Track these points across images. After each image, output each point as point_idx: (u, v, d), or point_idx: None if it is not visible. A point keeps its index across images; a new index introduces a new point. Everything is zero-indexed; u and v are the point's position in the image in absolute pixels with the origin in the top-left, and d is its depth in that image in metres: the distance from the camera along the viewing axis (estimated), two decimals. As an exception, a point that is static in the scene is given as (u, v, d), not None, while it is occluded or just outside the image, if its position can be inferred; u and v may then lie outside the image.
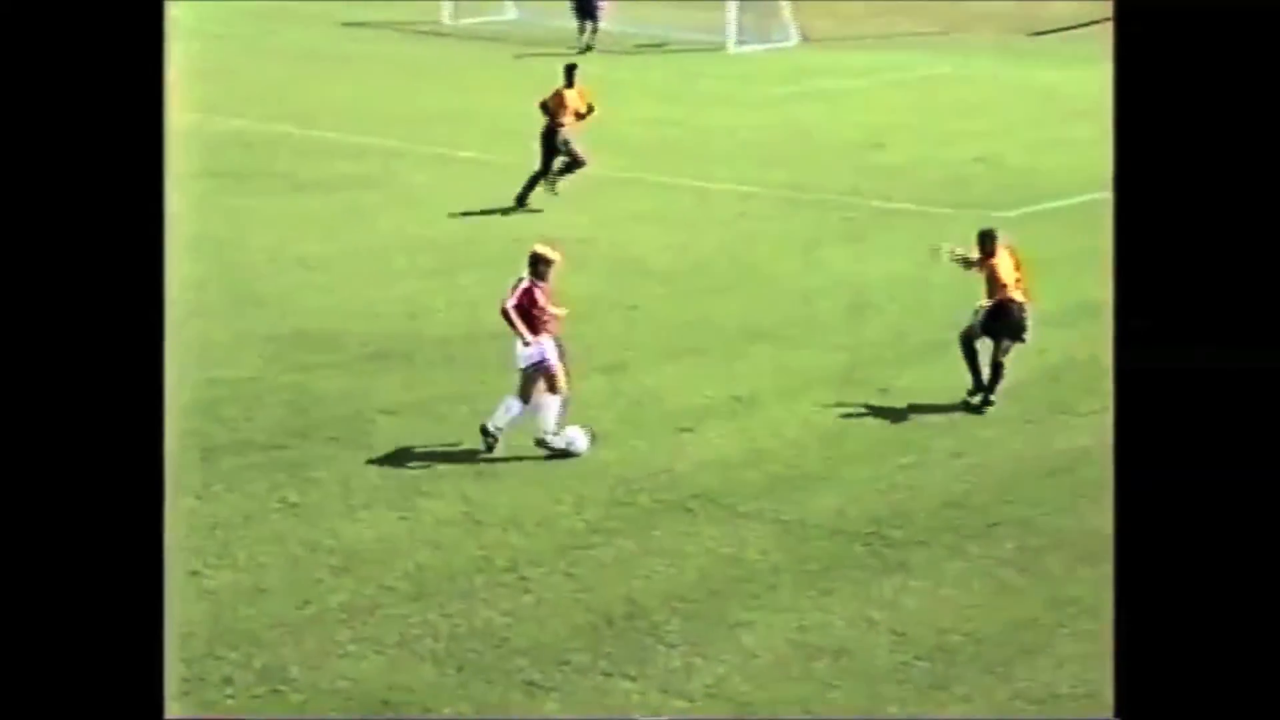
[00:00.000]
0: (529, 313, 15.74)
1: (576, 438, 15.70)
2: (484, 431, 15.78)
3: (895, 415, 16.84)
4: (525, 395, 15.85)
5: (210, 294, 20.04)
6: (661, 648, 12.16)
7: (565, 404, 15.84)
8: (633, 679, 11.76)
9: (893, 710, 11.40)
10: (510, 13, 44.34)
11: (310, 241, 23.01)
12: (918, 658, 12.02)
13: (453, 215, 24.66)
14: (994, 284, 17.02)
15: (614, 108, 30.04)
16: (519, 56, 39.28)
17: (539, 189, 25.11)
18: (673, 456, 15.76)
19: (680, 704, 11.48)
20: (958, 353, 17.30)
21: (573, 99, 25.49)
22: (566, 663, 11.97)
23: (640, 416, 16.83)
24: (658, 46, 41.41)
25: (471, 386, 17.26)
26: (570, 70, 25.89)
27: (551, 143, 25.35)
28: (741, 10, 41.29)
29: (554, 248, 16.18)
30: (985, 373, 17.01)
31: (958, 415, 16.78)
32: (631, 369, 18.29)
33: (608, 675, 11.81)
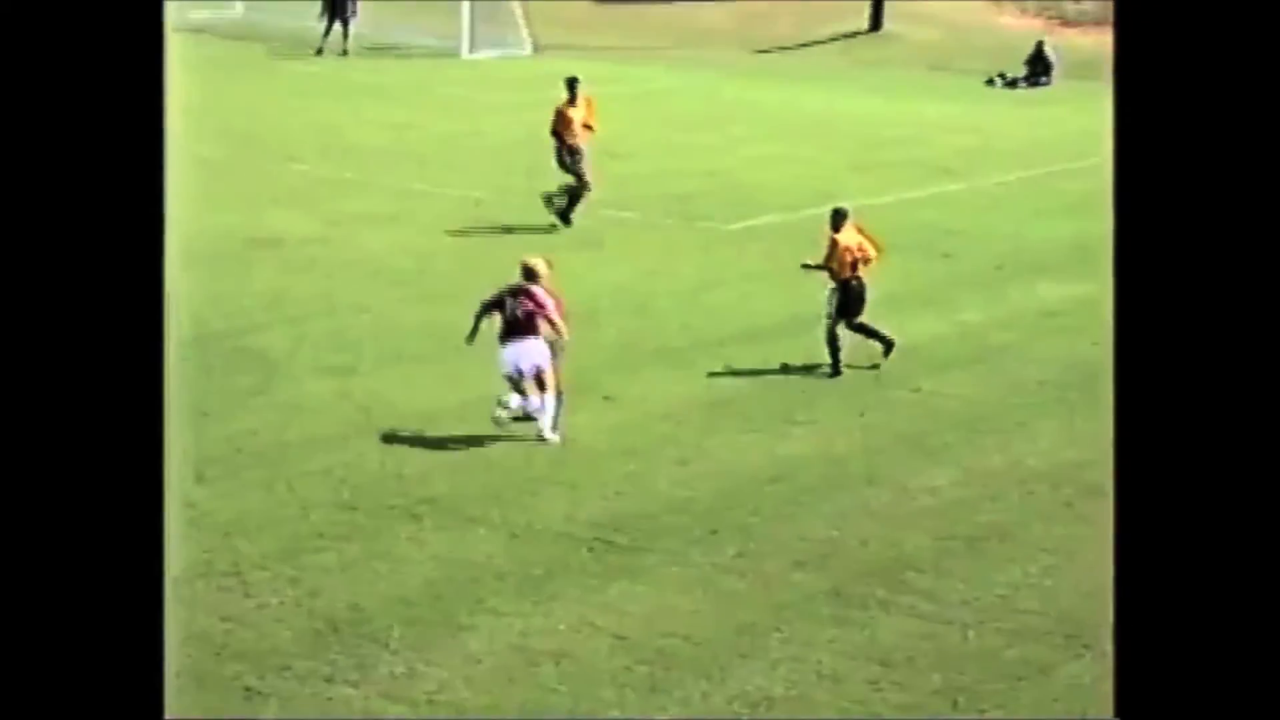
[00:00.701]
0: (533, 315, 16.52)
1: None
2: (496, 419, 16.50)
3: (622, 422, 17.16)
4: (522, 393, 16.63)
5: None
6: (385, 654, 12.17)
7: (560, 401, 16.58)
8: (354, 685, 11.76)
9: (613, 714, 11.57)
10: (237, 10, 43.89)
11: None
12: (638, 661, 12.22)
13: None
14: (838, 263, 18.74)
15: (348, 110, 30.14)
16: (277, 57, 39.15)
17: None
18: (401, 461, 15.80)
19: (401, 709, 11.51)
20: (684, 360, 17.68)
21: (578, 114, 25.10)
22: (288, 668, 11.93)
23: (368, 421, 16.84)
24: (390, 49, 41.45)
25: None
26: (572, 84, 25.37)
27: (568, 162, 24.91)
28: (475, 17, 41.50)
29: (546, 262, 17.01)
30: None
31: (683, 423, 17.17)
32: (359, 373, 18.35)
33: (329, 681, 11.78)
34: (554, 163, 25.08)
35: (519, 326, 16.54)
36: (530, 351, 16.52)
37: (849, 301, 18.81)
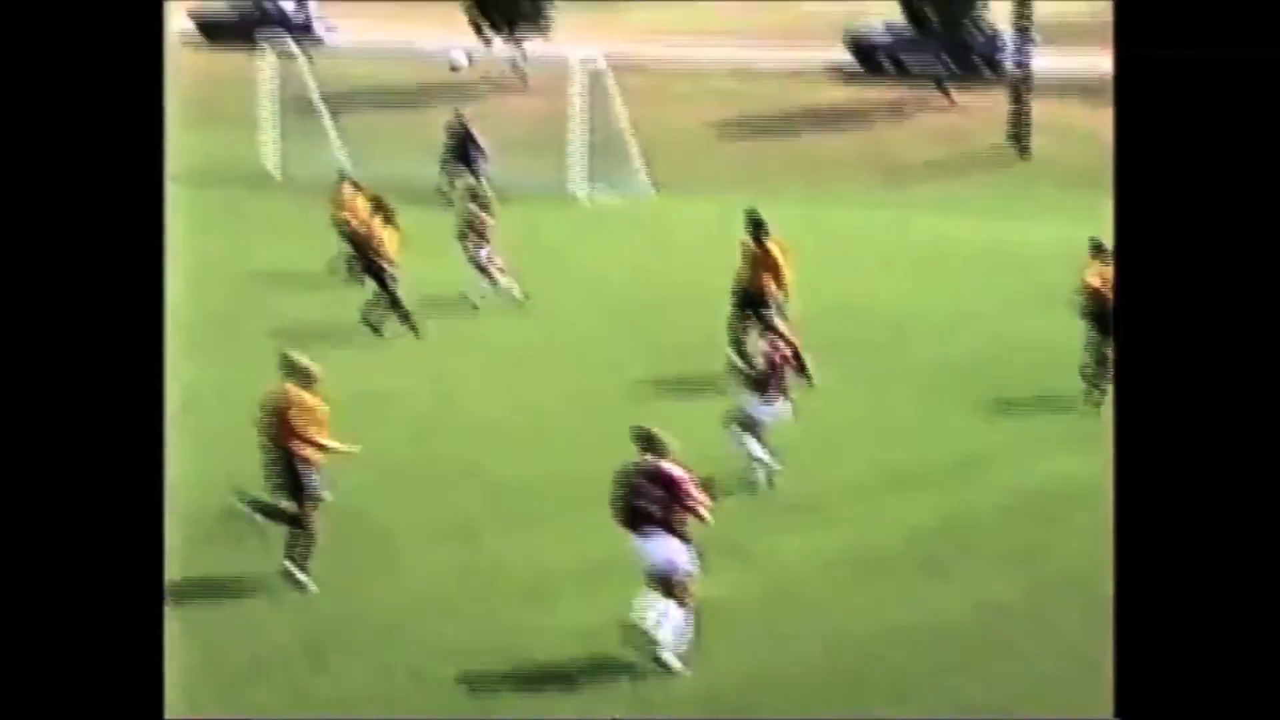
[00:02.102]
0: (669, 506, 14.40)
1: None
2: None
3: (761, 580, 16.38)
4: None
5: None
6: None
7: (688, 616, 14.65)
8: None
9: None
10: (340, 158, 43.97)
11: None
12: None
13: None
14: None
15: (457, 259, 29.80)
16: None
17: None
18: (520, 632, 15.46)
19: None
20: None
21: (771, 259, 23.23)
22: None
23: (487, 589, 16.53)
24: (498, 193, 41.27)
25: None
26: (758, 225, 23.52)
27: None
28: (590, 154, 41.30)
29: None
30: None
31: (829, 580, 16.46)
32: (478, 537, 17.77)
33: None
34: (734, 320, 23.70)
35: (649, 518, 14.56)
36: (661, 549, 14.52)
37: None
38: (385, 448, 19.90)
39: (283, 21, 60.70)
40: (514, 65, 54.30)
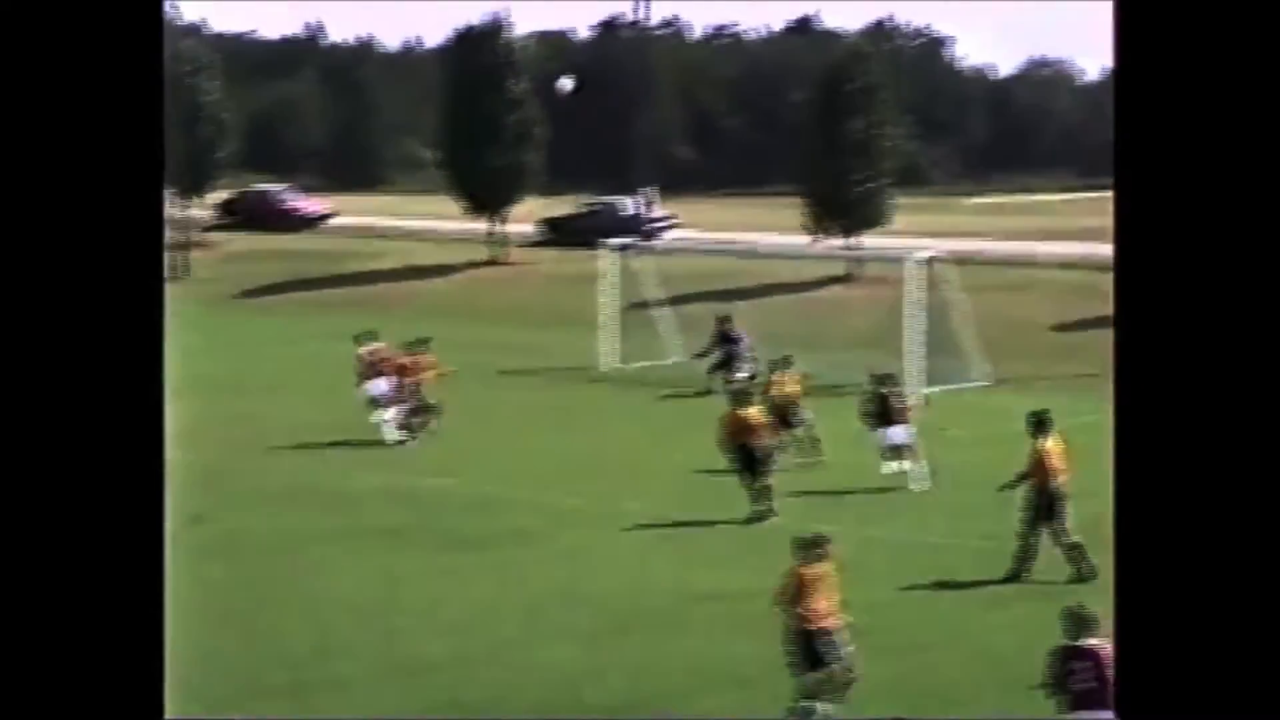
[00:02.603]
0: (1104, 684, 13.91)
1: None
2: None
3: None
4: None
5: (352, 665, 19.64)
6: None
7: None
8: None
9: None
10: (675, 356, 44.45)
11: (462, 603, 22.59)
12: None
13: (614, 573, 24.16)
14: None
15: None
16: (663, 398, 39.56)
17: None
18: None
19: None
20: None
21: (1054, 454, 23.51)
22: None
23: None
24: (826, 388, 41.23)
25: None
26: (1041, 423, 23.74)
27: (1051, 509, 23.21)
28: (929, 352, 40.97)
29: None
30: None
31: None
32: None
33: None
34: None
35: (1094, 699, 14.12)
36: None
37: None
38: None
39: (625, 221, 62.08)
40: (849, 260, 54.48)
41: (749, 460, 27.19)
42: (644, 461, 32.41)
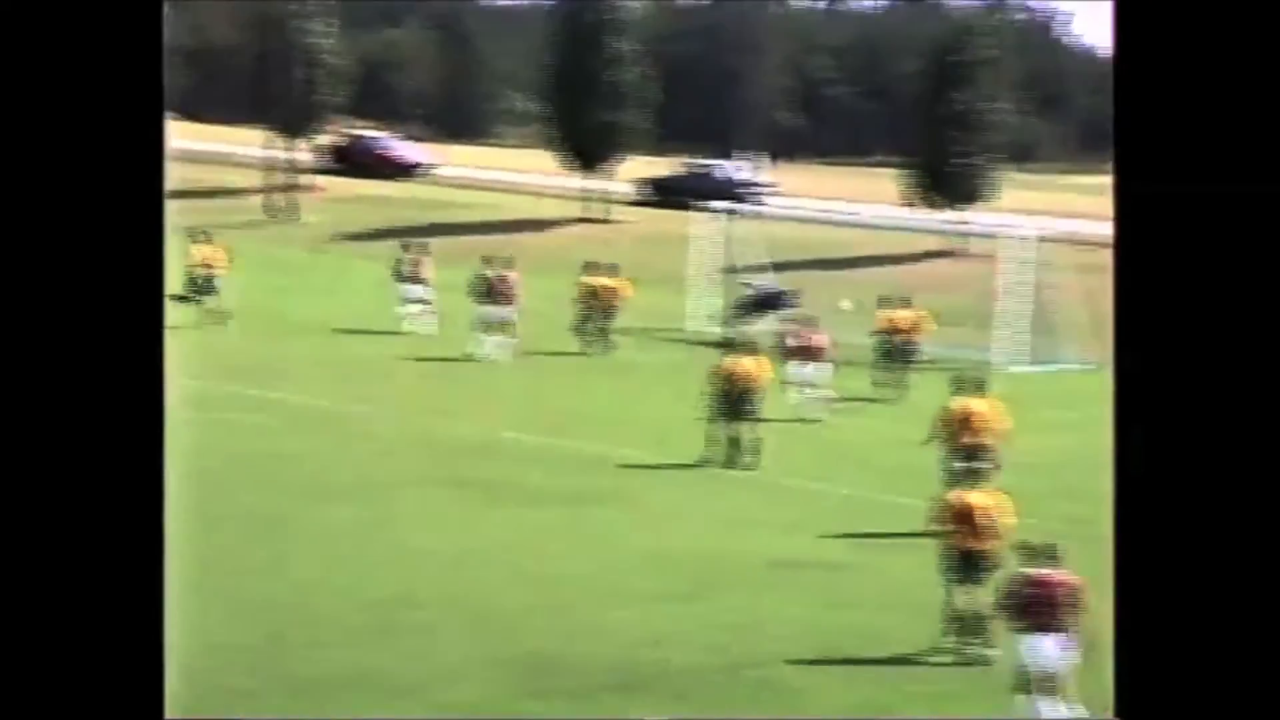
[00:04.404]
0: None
1: None
2: None
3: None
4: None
5: (439, 612, 19.75)
6: None
7: None
8: None
9: None
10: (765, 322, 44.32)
11: (549, 558, 22.66)
12: None
13: (703, 534, 24.15)
14: None
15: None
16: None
17: None
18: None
19: None
20: None
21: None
22: None
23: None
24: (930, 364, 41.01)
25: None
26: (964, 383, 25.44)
27: None
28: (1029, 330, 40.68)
29: None
30: None
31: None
32: None
33: None
34: None
35: (1043, 623, 16.08)
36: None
37: None
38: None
39: (726, 185, 61.94)
40: (954, 235, 54.16)
41: (737, 409, 27.72)
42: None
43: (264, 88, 66.60)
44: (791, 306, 40.71)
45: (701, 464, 27.86)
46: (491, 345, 37.56)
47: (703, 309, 44.33)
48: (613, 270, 40.79)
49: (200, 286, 39.41)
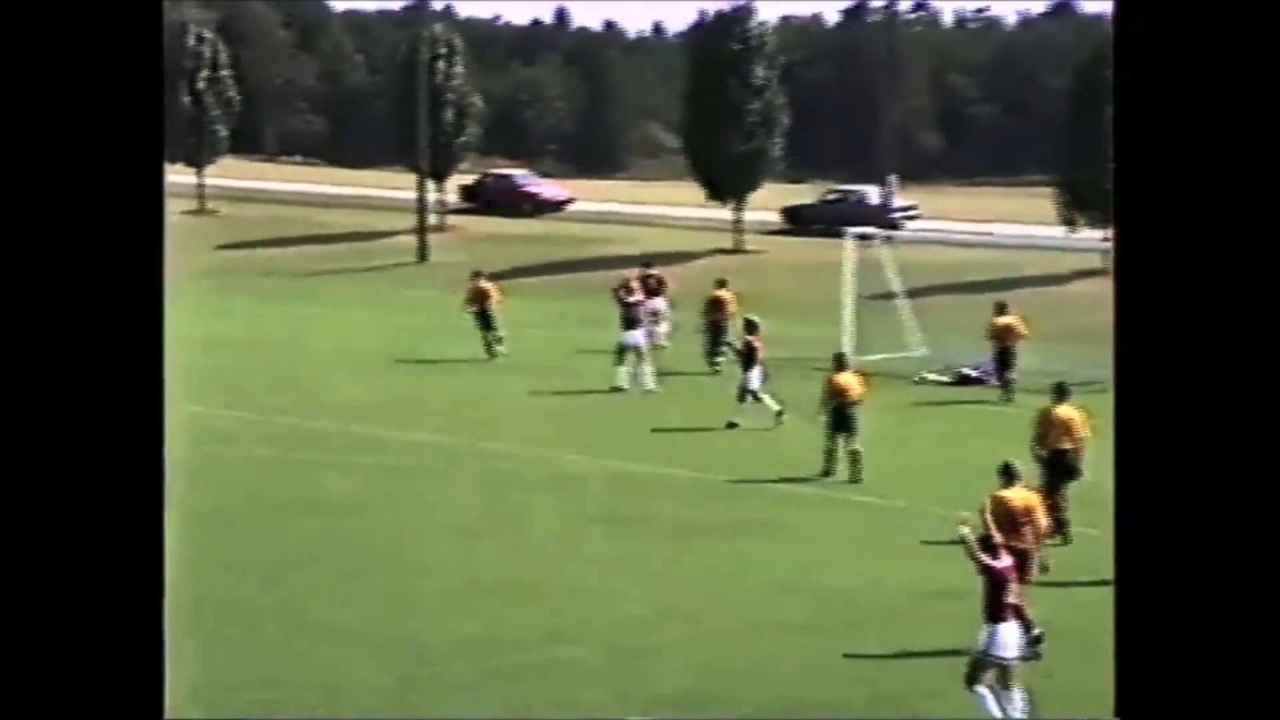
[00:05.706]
0: None
1: None
2: None
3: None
4: None
5: (575, 651, 19.63)
6: None
7: None
8: None
9: None
10: (920, 349, 43.88)
11: (692, 593, 22.45)
12: None
13: (849, 565, 23.84)
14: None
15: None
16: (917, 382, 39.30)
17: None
18: None
19: None
20: None
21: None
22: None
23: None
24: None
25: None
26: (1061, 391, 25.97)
27: None
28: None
29: None
30: None
31: None
32: None
33: None
34: None
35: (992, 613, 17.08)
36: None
37: None
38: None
39: (867, 210, 61.63)
40: (1102, 253, 53.43)
41: (842, 423, 29.04)
42: (881, 451, 32.05)
43: (404, 131, 67.18)
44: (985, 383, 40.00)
45: (819, 479, 28.59)
46: (648, 376, 37.97)
47: (852, 336, 43.96)
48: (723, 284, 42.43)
49: (486, 321, 42.00)
